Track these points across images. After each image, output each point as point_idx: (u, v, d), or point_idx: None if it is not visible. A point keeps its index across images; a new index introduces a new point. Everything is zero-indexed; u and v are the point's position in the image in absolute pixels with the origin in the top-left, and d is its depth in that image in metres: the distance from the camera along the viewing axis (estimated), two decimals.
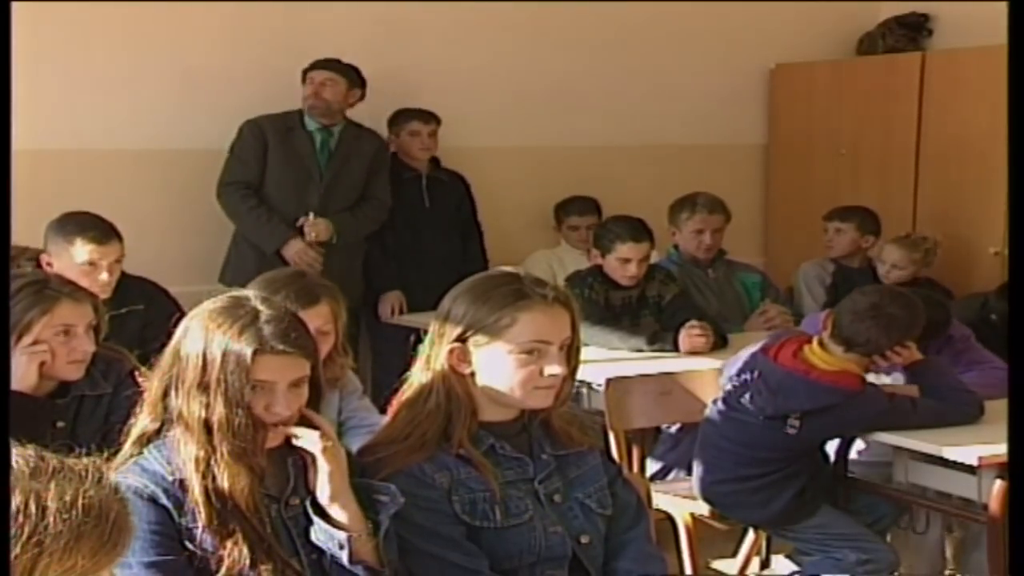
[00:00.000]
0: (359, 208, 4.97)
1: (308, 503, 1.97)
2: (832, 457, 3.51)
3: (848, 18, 6.14)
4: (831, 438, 3.41)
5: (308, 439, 1.97)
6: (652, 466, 3.95)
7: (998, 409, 3.46)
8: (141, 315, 3.66)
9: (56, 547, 1.24)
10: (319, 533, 1.96)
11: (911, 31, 5.99)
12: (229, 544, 1.90)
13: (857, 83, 5.90)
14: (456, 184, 5.31)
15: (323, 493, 1.97)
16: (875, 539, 3.34)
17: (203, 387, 1.93)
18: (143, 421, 2.01)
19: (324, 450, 1.96)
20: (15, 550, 1.22)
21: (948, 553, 3.62)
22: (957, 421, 3.26)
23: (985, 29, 5.45)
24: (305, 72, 4.89)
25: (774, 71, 6.15)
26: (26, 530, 1.23)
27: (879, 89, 5.79)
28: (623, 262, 4.43)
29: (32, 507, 1.24)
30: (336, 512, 1.95)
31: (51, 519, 1.24)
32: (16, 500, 1.24)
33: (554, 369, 2.11)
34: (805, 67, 6.08)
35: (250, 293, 2.08)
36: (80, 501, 1.26)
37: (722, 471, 3.42)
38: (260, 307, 1.99)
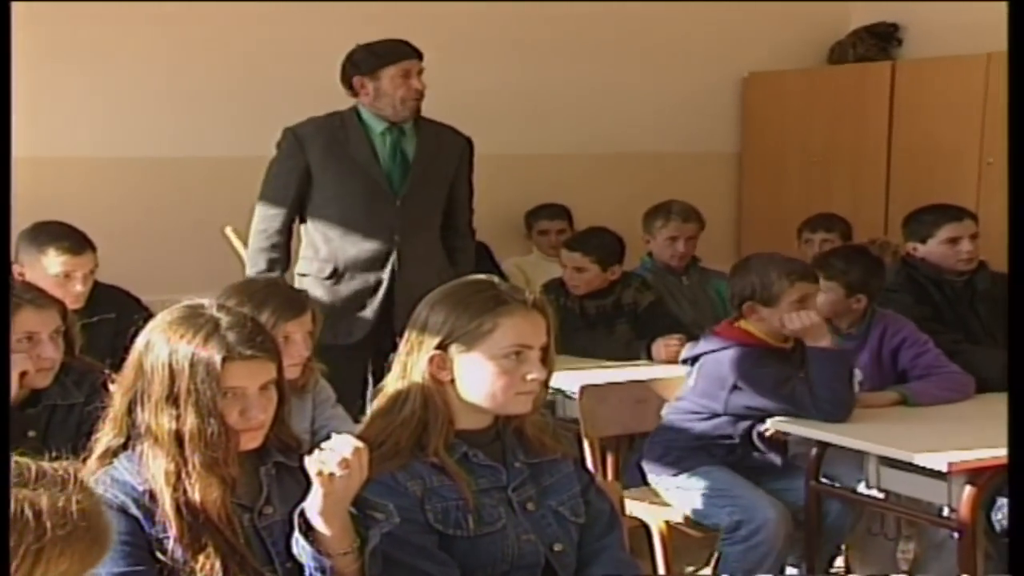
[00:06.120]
0: (446, 240, 4.07)
1: (296, 515, 1.90)
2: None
3: (819, 27, 6.18)
4: (727, 375, 3.45)
5: (310, 461, 1.87)
6: (633, 472, 3.95)
7: (966, 414, 3.51)
8: (113, 324, 3.61)
9: (52, 553, 1.26)
10: (301, 552, 1.90)
11: (881, 40, 6.04)
12: (201, 558, 1.87)
13: (829, 92, 5.93)
14: None
15: (312, 508, 1.89)
16: (755, 496, 3.38)
17: (172, 399, 1.91)
18: (107, 437, 1.98)
19: (319, 474, 1.86)
20: (15, 560, 1.23)
21: (909, 556, 3.64)
22: (826, 409, 3.37)
23: (954, 39, 5.51)
24: (380, 63, 3.96)
25: (747, 79, 6.18)
26: (24, 538, 1.24)
27: (850, 97, 5.83)
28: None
29: (28, 514, 1.25)
30: (323, 527, 1.89)
31: (47, 524, 1.26)
32: (11, 508, 1.26)
33: (536, 373, 2.12)
34: (777, 75, 6.11)
35: (205, 301, 2.04)
36: (72, 506, 1.29)
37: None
38: (218, 314, 1.97)
